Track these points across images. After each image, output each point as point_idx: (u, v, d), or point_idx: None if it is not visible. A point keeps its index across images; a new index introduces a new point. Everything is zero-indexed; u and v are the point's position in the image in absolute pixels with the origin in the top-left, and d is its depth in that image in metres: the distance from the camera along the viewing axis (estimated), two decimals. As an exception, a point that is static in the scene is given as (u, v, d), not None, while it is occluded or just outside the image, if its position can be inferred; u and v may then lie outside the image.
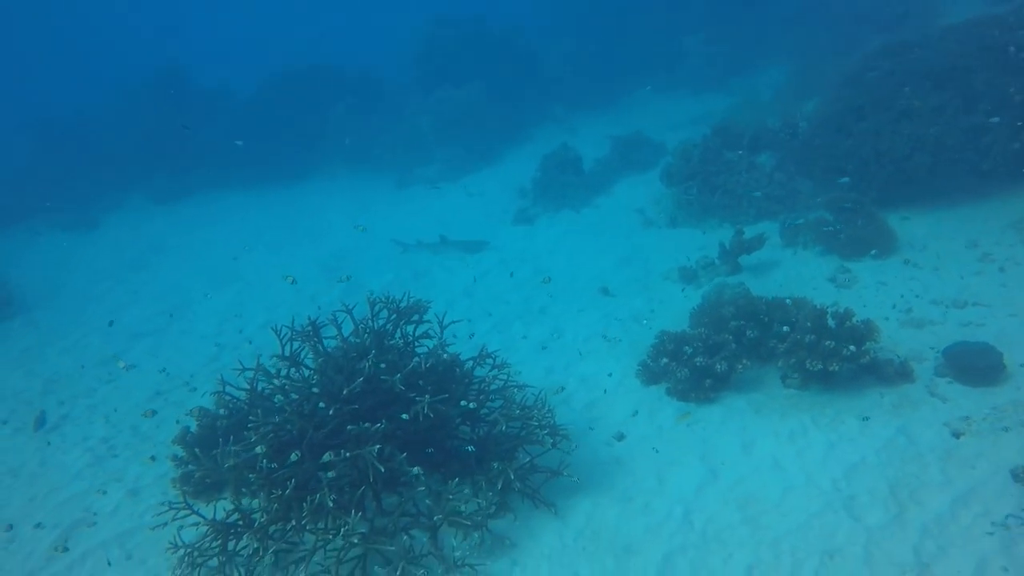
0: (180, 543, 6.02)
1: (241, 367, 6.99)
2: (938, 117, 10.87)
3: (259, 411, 6.34)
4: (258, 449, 6.00)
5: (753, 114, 15.56)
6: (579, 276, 12.04)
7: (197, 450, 6.67)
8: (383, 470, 5.90)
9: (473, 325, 10.44)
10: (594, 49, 23.49)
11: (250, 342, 11.37)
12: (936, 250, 9.93)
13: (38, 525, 7.31)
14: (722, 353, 7.79)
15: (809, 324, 7.45)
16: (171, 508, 6.23)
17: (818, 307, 7.61)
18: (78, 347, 12.62)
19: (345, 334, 7.17)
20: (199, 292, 14.44)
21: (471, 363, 7.32)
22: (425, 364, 6.70)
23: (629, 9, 23.17)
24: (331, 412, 6.30)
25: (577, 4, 24.37)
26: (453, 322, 7.46)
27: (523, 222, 15.68)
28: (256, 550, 5.81)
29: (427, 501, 6.24)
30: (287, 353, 6.96)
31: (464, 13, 23.91)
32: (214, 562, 5.95)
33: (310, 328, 7.02)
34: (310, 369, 6.88)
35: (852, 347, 7.13)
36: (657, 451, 7.04)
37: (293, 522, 5.90)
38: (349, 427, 6.11)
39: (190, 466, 6.93)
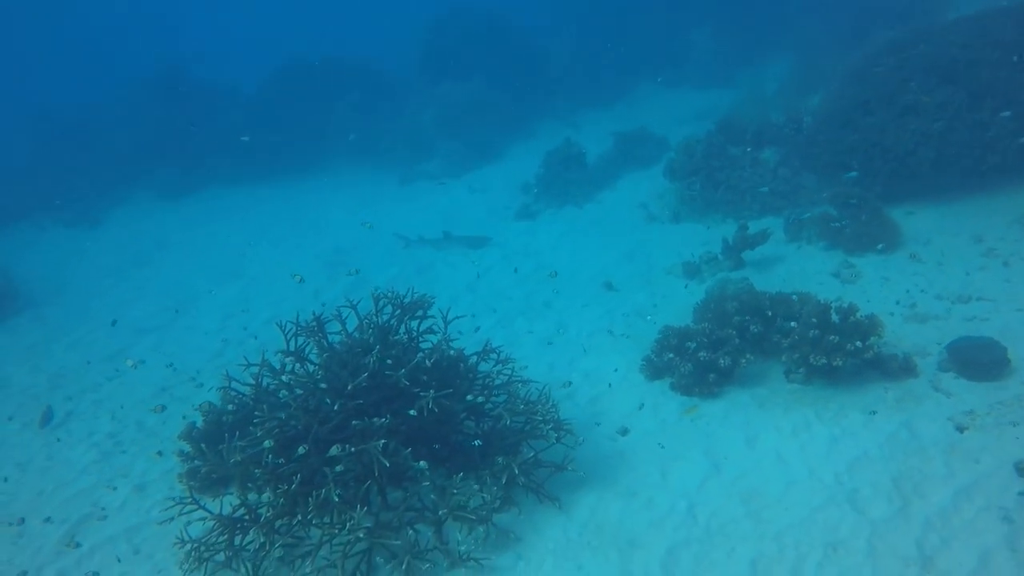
0: (187, 538, 6.06)
1: (246, 363, 7.03)
2: (943, 112, 10.83)
3: (264, 407, 6.38)
4: (266, 443, 6.03)
5: (757, 109, 15.51)
6: (582, 271, 12.05)
7: (203, 445, 6.70)
8: (388, 465, 5.93)
9: (477, 320, 10.46)
10: (598, 44, 23.40)
11: (256, 337, 11.40)
12: (940, 245, 9.92)
13: (47, 519, 7.36)
14: (726, 348, 7.81)
15: (813, 319, 7.46)
16: (178, 503, 6.27)
17: (822, 302, 7.61)
18: (84, 343, 12.67)
19: (349, 329, 7.20)
20: (204, 288, 14.48)
21: (475, 358, 7.35)
22: (429, 359, 6.72)
23: (633, 4, 23.09)
24: (336, 407, 6.34)
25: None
26: (457, 317, 7.48)
27: (526, 218, 15.68)
28: (263, 544, 5.85)
29: (432, 496, 6.27)
30: (292, 349, 6.99)
31: (468, 8, 23.87)
32: (221, 556, 5.99)
33: (314, 324, 7.04)
34: (315, 365, 6.91)
35: (856, 342, 7.14)
36: (663, 447, 7.06)
37: (299, 517, 5.94)
38: (354, 422, 6.15)
39: (196, 461, 6.96)
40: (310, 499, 5.84)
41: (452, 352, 7.14)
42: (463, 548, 5.91)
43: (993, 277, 8.86)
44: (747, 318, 8.10)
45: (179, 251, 17.66)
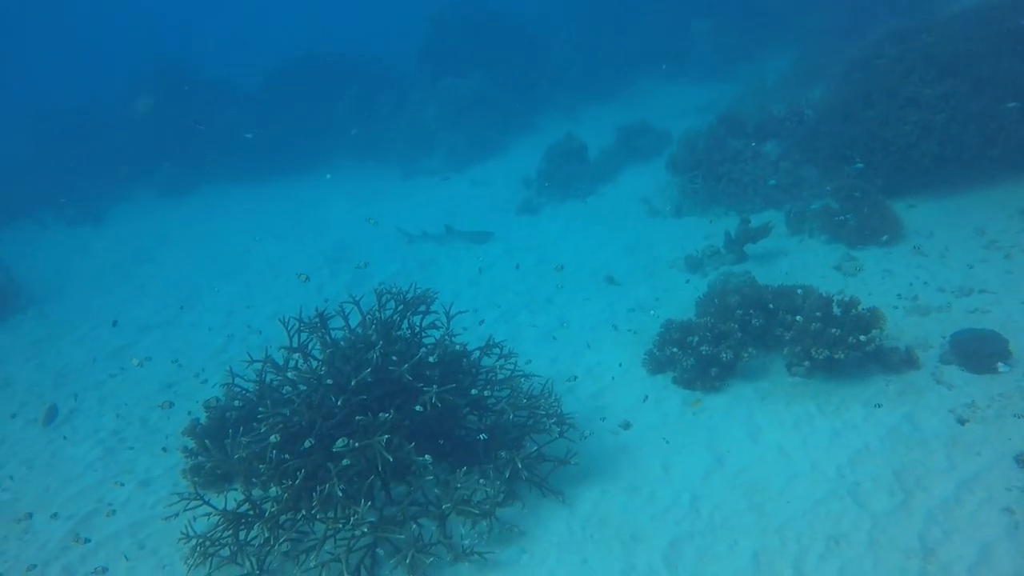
0: (192, 533, 6.10)
1: (250, 359, 7.05)
2: (945, 104, 10.81)
3: (268, 402, 6.40)
4: (272, 438, 6.06)
5: (759, 102, 15.49)
6: (584, 265, 12.06)
7: (207, 441, 6.73)
8: (391, 460, 5.96)
9: (479, 315, 10.47)
10: (599, 38, 23.38)
11: (260, 332, 11.44)
12: (942, 238, 9.91)
13: (54, 515, 7.40)
14: (728, 342, 7.82)
15: (816, 312, 7.46)
16: (182, 499, 6.30)
17: (824, 295, 7.62)
18: (87, 340, 12.72)
19: (352, 325, 7.21)
20: (206, 284, 14.52)
21: (478, 353, 7.37)
22: (432, 354, 6.74)
23: (634, -3, 23.07)
24: (339, 403, 6.36)
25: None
26: (460, 312, 7.49)
27: (528, 212, 15.69)
28: (267, 539, 5.88)
29: (435, 490, 6.29)
30: (295, 344, 7.01)
31: (469, 2, 23.81)
32: (225, 552, 6.02)
33: (317, 319, 7.06)
34: (318, 360, 6.93)
35: (858, 335, 7.15)
36: (667, 441, 7.07)
37: (303, 512, 5.97)
38: (358, 417, 6.17)
39: (200, 457, 6.99)
40: (314, 494, 5.87)
41: (455, 347, 7.16)
42: (467, 542, 5.93)
43: (995, 269, 8.86)
44: (749, 312, 8.11)
45: (181, 248, 17.69)
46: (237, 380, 7.25)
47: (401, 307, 7.20)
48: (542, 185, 16.29)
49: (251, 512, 6.08)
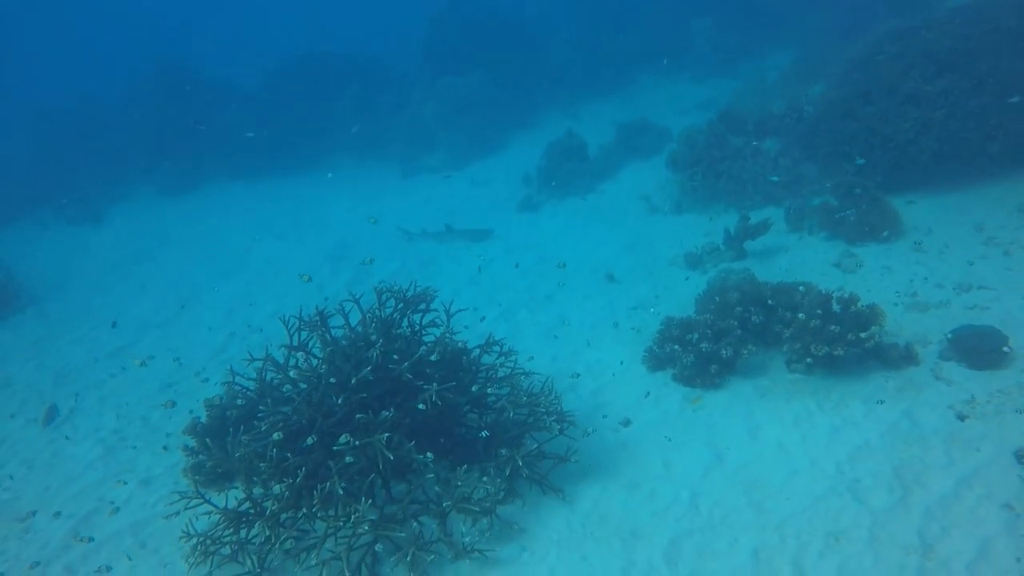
0: (193, 532, 6.11)
1: (250, 357, 7.06)
2: (944, 100, 10.81)
3: (269, 400, 6.42)
4: (275, 435, 6.08)
5: (758, 99, 15.49)
6: (584, 263, 12.07)
7: (208, 440, 6.75)
8: (392, 458, 5.97)
9: (479, 313, 10.48)
10: (599, 35, 23.34)
11: (261, 331, 11.46)
12: (942, 234, 9.91)
13: (56, 514, 7.42)
14: (727, 339, 7.83)
15: (815, 309, 7.47)
16: (183, 497, 6.31)
17: (824, 292, 7.63)
18: (88, 339, 12.73)
19: (352, 323, 7.22)
20: (207, 283, 14.53)
21: (478, 351, 7.38)
22: (433, 352, 6.75)
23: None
24: (340, 401, 6.37)
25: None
26: (460, 310, 7.50)
27: (528, 210, 15.69)
28: (268, 538, 5.90)
29: (436, 488, 6.31)
30: (295, 343, 7.02)
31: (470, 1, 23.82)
32: (226, 550, 6.04)
33: (318, 318, 7.07)
34: (318, 359, 6.94)
35: (858, 332, 7.16)
36: (667, 438, 7.08)
37: (304, 510, 5.98)
38: (358, 415, 6.19)
39: (201, 456, 7.00)
40: (315, 492, 5.88)
41: (455, 345, 7.17)
42: (467, 540, 5.95)
43: (994, 266, 8.86)
44: (749, 309, 8.12)
45: (181, 247, 17.70)
46: (238, 379, 7.26)
47: (401, 305, 7.21)
48: (542, 183, 16.29)
49: (252, 510, 6.10)
